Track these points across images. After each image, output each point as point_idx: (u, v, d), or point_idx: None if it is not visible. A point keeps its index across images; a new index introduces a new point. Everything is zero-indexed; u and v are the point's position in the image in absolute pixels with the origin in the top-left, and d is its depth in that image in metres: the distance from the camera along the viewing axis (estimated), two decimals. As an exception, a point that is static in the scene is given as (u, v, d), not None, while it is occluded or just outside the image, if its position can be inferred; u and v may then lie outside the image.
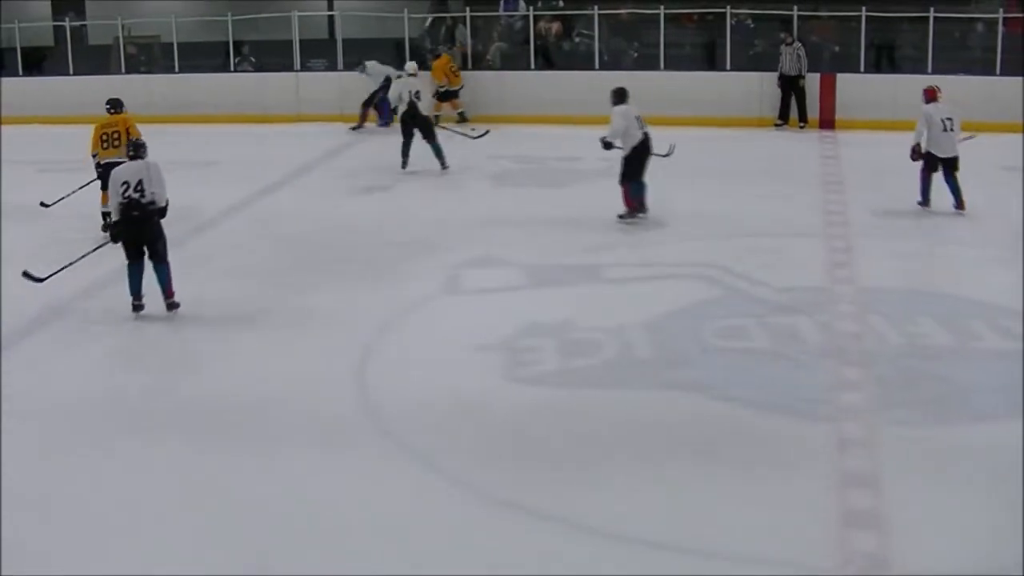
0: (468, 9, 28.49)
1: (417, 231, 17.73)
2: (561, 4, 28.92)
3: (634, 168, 17.72)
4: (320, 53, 29.51)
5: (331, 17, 30.92)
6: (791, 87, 25.46)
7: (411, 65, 23.83)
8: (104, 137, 17.60)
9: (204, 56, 29.73)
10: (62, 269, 14.83)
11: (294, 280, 15.51)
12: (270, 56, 29.82)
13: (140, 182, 13.95)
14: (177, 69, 29.61)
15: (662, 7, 26.56)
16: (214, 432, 11.12)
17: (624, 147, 17.79)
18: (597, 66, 26.59)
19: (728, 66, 26.38)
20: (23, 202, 19.15)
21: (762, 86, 25.83)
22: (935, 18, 25.47)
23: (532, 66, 27.48)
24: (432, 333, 13.67)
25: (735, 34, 26.59)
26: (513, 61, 28.05)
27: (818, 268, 15.57)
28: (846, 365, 12.50)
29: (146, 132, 18.61)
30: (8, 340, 13.60)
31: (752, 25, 27.43)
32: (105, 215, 16.41)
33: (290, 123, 27.37)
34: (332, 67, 28.53)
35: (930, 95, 18.45)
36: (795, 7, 26.07)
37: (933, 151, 17.92)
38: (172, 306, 14.21)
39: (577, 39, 27.58)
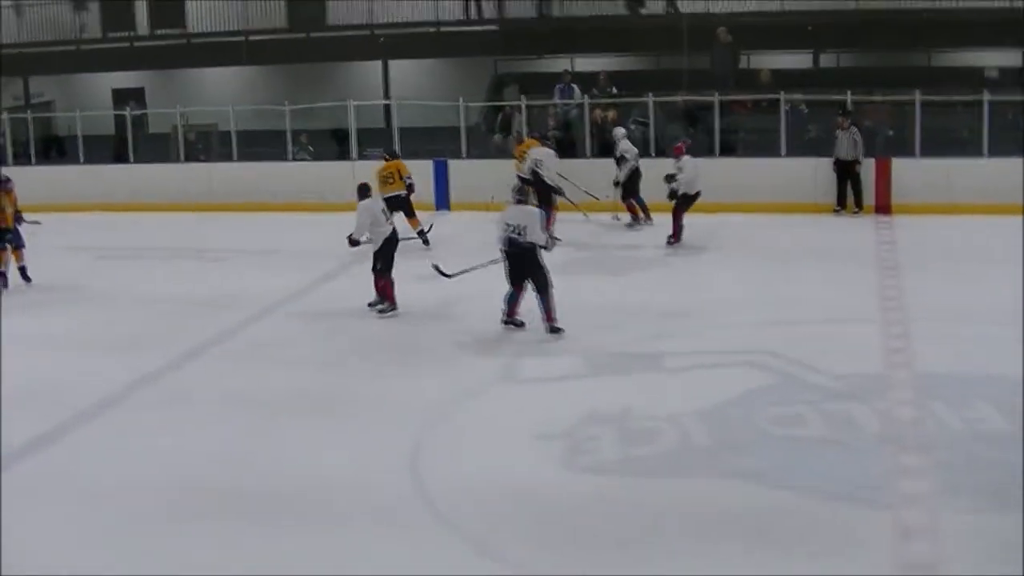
0: (523, 97, 28.65)
1: (475, 318, 17.79)
2: (615, 91, 29.05)
3: (386, 261, 18.36)
4: (377, 141, 29.77)
5: (387, 106, 31.13)
6: (847, 172, 25.41)
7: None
8: (384, 177, 22.54)
9: (262, 144, 30.00)
10: (466, 271, 18.20)
11: (351, 367, 15.61)
12: (327, 144, 30.09)
13: (520, 226, 16.71)
14: (235, 157, 29.88)
15: (717, 94, 26.66)
16: (271, 516, 11.19)
17: (374, 241, 18.37)
18: (653, 153, 26.63)
19: (783, 151, 26.40)
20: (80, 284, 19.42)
21: (817, 171, 25.82)
22: (989, 101, 25.47)
23: (588, 153, 27.57)
24: (490, 421, 13.72)
25: (789, 120, 26.62)
26: (569, 148, 28.16)
27: (875, 354, 15.52)
28: (905, 452, 12.44)
29: (203, 219, 18.91)
30: (68, 425, 13.76)
31: (806, 111, 27.47)
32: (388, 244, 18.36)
33: (347, 211, 27.45)
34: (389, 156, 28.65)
35: None
36: (848, 92, 26.11)
37: None
38: (554, 330, 16.66)
39: (632, 126, 27.69)
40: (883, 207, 25.43)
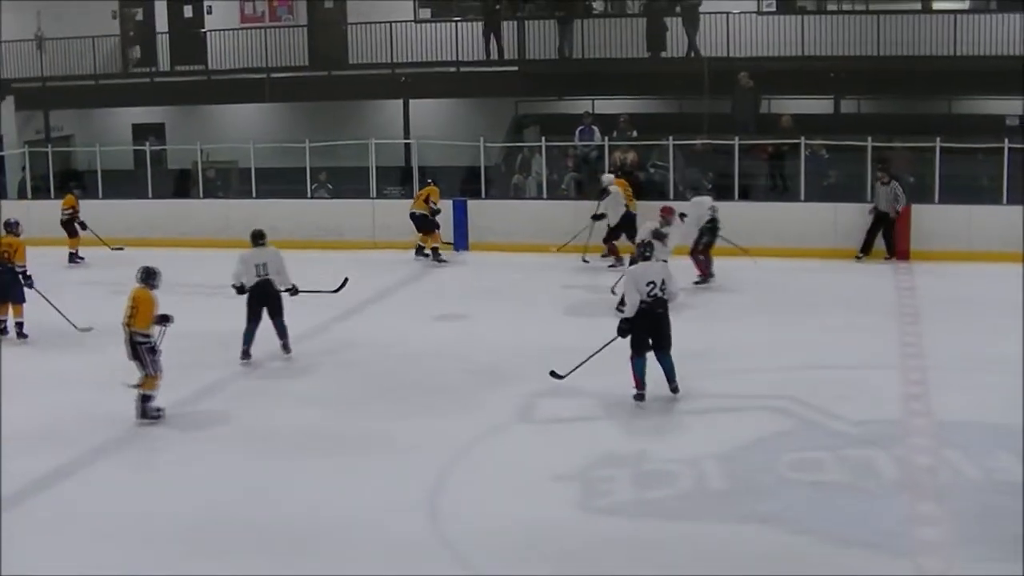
0: (544, 138, 28.68)
1: (491, 359, 17.76)
2: (636, 134, 29.08)
3: (250, 310, 17.79)
4: (396, 180, 29.79)
5: (407, 145, 31.18)
6: (883, 222, 25.31)
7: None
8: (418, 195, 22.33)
9: (282, 182, 30.05)
10: (579, 367, 15.91)
11: (367, 406, 15.57)
12: (347, 183, 30.14)
13: (663, 281, 15.57)
14: (255, 194, 29.93)
15: (737, 138, 26.67)
16: (287, 555, 11.20)
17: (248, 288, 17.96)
18: (672, 196, 26.62)
19: (803, 196, 26.39)
20: (94, 320, 19.45)
21: (836, 217, 25.82)
22: (1009, 149, 25.47)
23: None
24: (506, 461, 13.68)
25: (809, 165, 26.60)
26: (590, 189, 28.17)
27: (894, 400, 15.47)
28: (923, 499, 12.42)
29: (223, 256, 18.89)
30: (81, 460, 13.76)
31: (827, 156, 27.45)
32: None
33: (366, 250, 27.56)
34: (408, 195, 28.63)
35: None
36: (869, 138, 26.10)
37: None
38: (674, 388, 15.55)
39: (652, 169, 27.70)
40: (902, 253, 25.38)
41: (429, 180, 26.80)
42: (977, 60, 29.41)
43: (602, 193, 25.31)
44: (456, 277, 24.24)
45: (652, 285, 15.42)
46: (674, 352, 17.32)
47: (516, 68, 32.30)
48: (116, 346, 15.33)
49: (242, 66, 33.96)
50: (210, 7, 35.88)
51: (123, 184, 31.38)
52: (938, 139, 25.77)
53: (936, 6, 31.70)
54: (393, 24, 32.61)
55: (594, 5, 34.05)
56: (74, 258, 27.66)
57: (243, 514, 12.24)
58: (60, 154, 33.51)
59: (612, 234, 25.27)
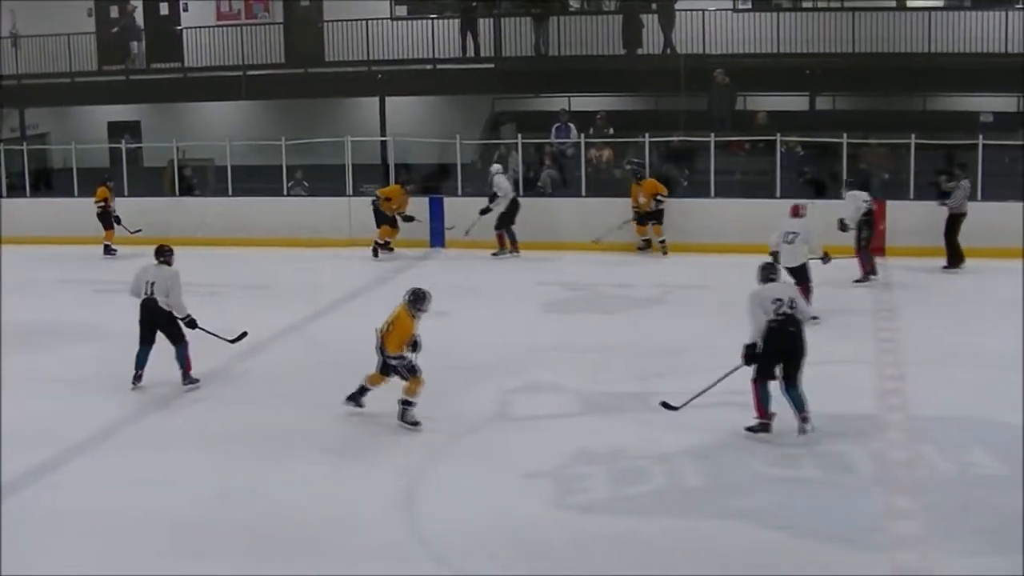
0: (520, 136, 28.70)
1: (468, 357, 17.72)
2: (612, 131, 29.12)
3: (142, 331, 16.46)
4: (373, 178, 29.76)
5: (384, 142, 31.15)
6: (958, 222, 24.27)
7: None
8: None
9: (258, 180, 29.99)
10: (695, 397, 14.75)
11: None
12: (323, 180, 30.08)
13: (792, 299, 14.23)
14: (231, 192, 29.89)
15: (712, 135, 26.71)
16: (265, 555, 11.17)
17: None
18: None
19: (778, 193, 26.42)
20: (77, 320, 19.36)
21: (811, 212, 25.81)
22: (984, 145, 25.59)
23: (583, 192, 27.57)
24: (482, 460, 13.67)
25: (785, 161, 26.66)
26: (564, 187, 28.21)
27: (869, 396, 15.51)
28: (899, 494, 12.44)
29: (199, 255, 18.86)
30: (62, 459, 13.71)
31: (802, 153, 27.53)
32: None
33: (342, 247, 27.52)
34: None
35: None
36: (844, 135, 26.17)
37: None
38: (803, 419, 14.04)
39: (628, 166, 27.73)
40: (878, 249, 25.39)
41: (408, 188, 26.94)
42: (952, 57, 29.52)
43: (491, 186, 26.24)
44: (432, 274, 24.19)
45: (779, 302, 14.12)
46: (647, 346, 17.43)
47: (492, 65, 32.31)
48: (91, 344, 15.29)
49: (218, 64, 33.86)
50: (186, 4, 35.79)
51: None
52: (913, 136, 25.84)
53: (911, 3, 31.83)
54: (369, 21, 32.58)
55: (570, 2, 34.09)
56: (108, 250, 27.58)
57: (222, 514, 12.21)
58: (35, 152, 33.40)
59: (502, 221, 26.15)
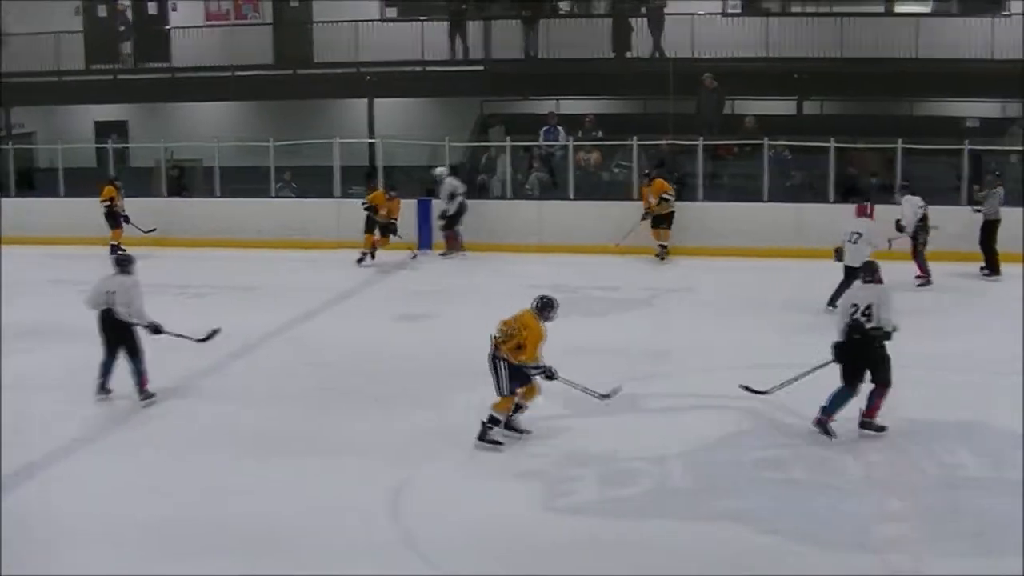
0: (509, 138, 28.73)
1: (456, 359, 17.65)
2: (600, 134, 29.15)
3: (104, 341, 16.03)
4: (362, 180, 29.74)
5: (372, 144, 31.13)
6: (994, 229, 24.16)
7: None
8: None
9: (246, 181, 29.95)
10: (786, 384, 14.83)
11: (332, 407, 15.53)
12: (312, 182, 30.07)
13: (869, 306, 14.01)
14: (219, 193, 29.88)
15: (701, 139, 26.78)
16: (252, 555, 11.16)
17: None
18: (636, 196, 26.71)
19: (766, 197, 26.50)
20: (62, 321, 19.31)
21: (799, 217, 25.93)
22: (969, 150, 25.75)
23: (571, 195, 27.59)
24: (471, 460, 13.67)
25: (773, 165, 26.73)
26: (552, 190, 28.23)
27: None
28: (888, 496, 12.51)
29: (187, 256, 18.85)
30: (42, 462, 13.69)
31: (789, 156, 27.60)
32: None
33: (331, 249, 27.51)
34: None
35: None
36: (832, 139, 26.24)
37: None
38: (871, 426, 14.17)
39: (616, 169, 27.77)
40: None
41: (392, 193, 26.87)
42: (939, 63, 29.61)
43: (436, 184, 26.89)
44: (420, 277, 24.28)
45: (855, 308, 14.05)
46: (636, 351, 17.44)
47: (482, 68, 32.34)
48: (67, 346, 15.22)
49: (207, 64, 33.82)
50: (175, 4, 35.74)
51: (86, 181, 31.15)
52: (899, 140, 25.94)
53: (898, 8, 31.93)
54: (359, 23, 32.55)
55: (560, 5, 34.13)
56: (115, 250, 27.44)
57: (206, 515, 12.18)
58: (21, 152, 33.33)
59: (450, 223, 26.45)
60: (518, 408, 14.42)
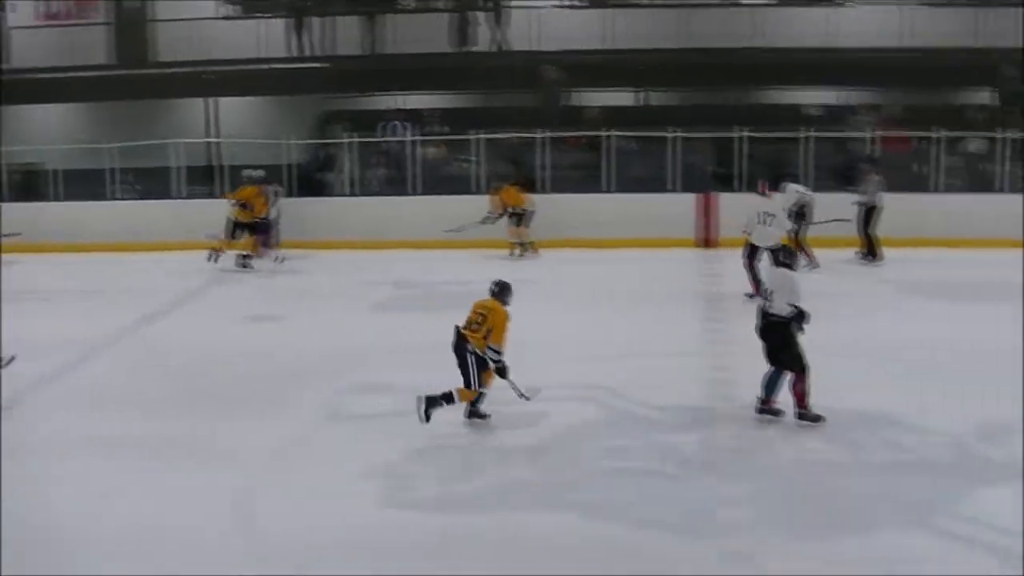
0: (352, 135, 28.58)
1: (301, 359, 17.61)
2: (444, 129, 29.11)
3: None
4: (204, 180, 29.44)
5: (212, 144, 30.82)
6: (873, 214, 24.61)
7: None
8: None
9: (88, 183, 29.47)
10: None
11: (179, 411, 15.33)
12: (155, 183, 29.69)
13: (770, 292, 14.19)
14: (61, 196, 29.38)
15: (544, 131, 26.83)
16: (100, 562, 10.93)
17: None
18: (481, 189, 26.75)
19: (611, 187, 26.66)
20: None
21: (644, 207, 26.10)
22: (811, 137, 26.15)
23: (416, 191, 27.52)
24: (315, 461, 13.53)
25: (617, 156, 26.88)
26: (395, 186, 28.15)
27: (701, 386, 15.69)
28: (731, 481, 12.58)
29: (28, 260, 18.49)
30: None
31: (634, 147, 27.77)
32: None
33: (174, 251, 27.18)
34: (216, 193, 28.32)
35: None
36: (674, 129, 26.47)
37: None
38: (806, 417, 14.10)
39: (460, 164, 27.78)
40: (709, 241, 25.78)
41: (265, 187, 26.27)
42: (779, 52, 30.00)
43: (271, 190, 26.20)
44: (265, 278, 24.06)
45: (766, 291, 14.49)
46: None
47: (324, 64, 32.14)
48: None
49: (45, 65, 33.22)
50: (15, 5, 35.05)
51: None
52: (742, 129, 26.24)
53: (739, -1, 32.32)
54: (198, 21, 32.21)
55: (401, 0, 34.01)
56: None
57: (55, 520, 11.99)
58: None
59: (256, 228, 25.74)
60: (480, 396, 14.53)
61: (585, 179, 28.01)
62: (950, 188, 26.59)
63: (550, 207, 25.67)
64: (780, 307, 14.09)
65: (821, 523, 11.50)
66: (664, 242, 25.43)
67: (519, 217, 25.40)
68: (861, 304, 20.74)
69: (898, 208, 24.32)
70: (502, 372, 14.31)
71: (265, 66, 32.14)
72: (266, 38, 32.04)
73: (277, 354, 18.15)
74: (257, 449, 13.83)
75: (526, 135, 27.55)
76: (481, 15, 31.36)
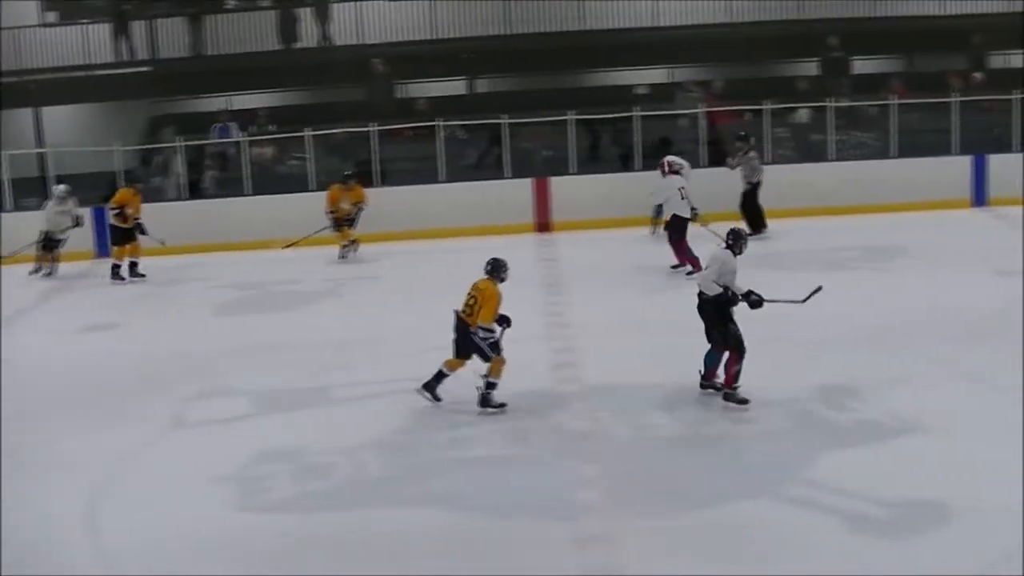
0: (181, 138, 28.24)
1: (143, 367, 17.39)
2: (274, 128, 28.85)
3: None
4: (33, 191, 28.90)
5: (41, 154, 30.26)
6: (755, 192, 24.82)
7: None
8: None
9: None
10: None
11: (18, 423, 15.06)
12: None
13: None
14: None
15: (375, 124, 26.76)
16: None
17: None
18: (313, 187, 26.63)
19: (444, 177, 26.68)
20: None
21: (479, 195, 26.16)
22: (641, 116, 26.41)
23: (249, 191, 27.26)
24: (163, 469, 13.40)
25: (448, 146, 26.92)
26: (229, 187, 27.86)
27: (544, 370, 15.80)
28: (579, 463, 12.75)
29: None
30: None
31: (464, 137, 27.83)
32: None
33: (7, 264, 26.63)
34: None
35: None
36: (504, 116, 26.56)
37: None
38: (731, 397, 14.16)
39: (292, 162, 27.63)
40: (544, 225, 25.91)
41: (138, 186, 25.24)
42: (604, 34, 30.27)
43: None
44: (100, 286, 23.70)
45: (707, 269, 14.61)
46: (321, 341, 17.49)
47: (149, 68, 31.71)
48: None
49: None
50: None
51: None
52: (571, 112, 26.41)
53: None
54: (17, 29, 31.60)
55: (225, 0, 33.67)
56: None
57: None
58: None
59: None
60: (441, 376, 14.67)
61: (417, 171, 27.93)
62: (780, 159, 26.93)
63: (385, 200, 25.56)
64: (709, 286, 14.25)
65: (671, 498, 11.70)
66: (502, 229, 25.47)
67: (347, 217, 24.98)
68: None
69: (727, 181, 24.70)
70: (495, 347, 14.46)
71: (90, 72, 31.60)
72: (90, 44, 31.49)
73: (120, 363, 17.91)
74: (103, 458, 13.68)
75: (357, 129, 27.42)
76: (305, 11, 31.16)
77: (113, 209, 24.23)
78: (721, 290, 14.15)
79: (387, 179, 26.97)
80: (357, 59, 29.69)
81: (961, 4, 30.91)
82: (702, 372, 14.55)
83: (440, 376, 14.72)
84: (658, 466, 12.57)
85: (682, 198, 21.11)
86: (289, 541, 11.28)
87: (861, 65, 30.74)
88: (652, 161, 25.25)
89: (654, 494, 11.87)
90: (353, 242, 24.58)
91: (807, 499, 11.50)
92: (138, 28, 31.92)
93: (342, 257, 24.33)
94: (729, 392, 14.18)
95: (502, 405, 14.41)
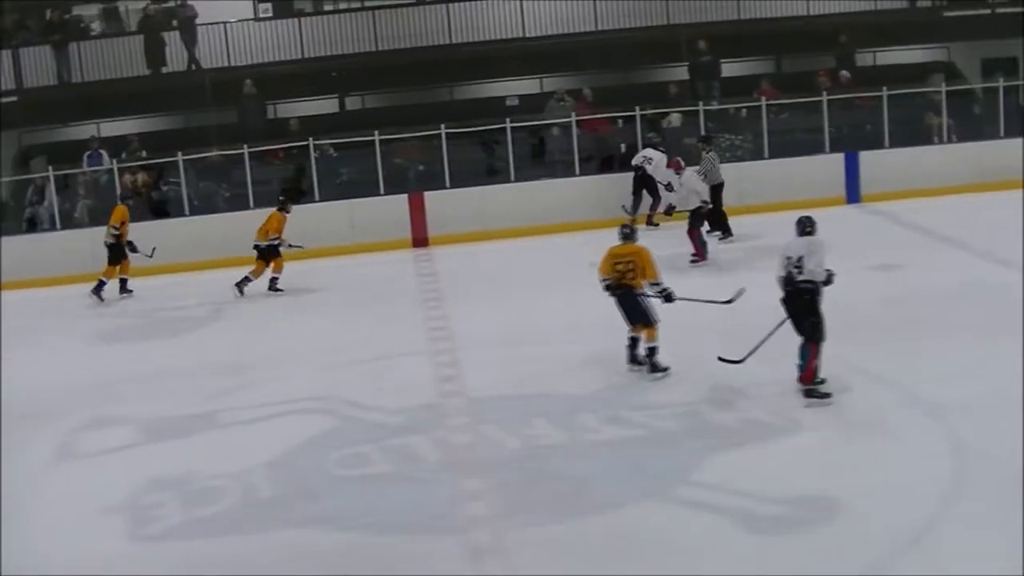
0: (51, 168, 27.97)
1: (29, 401, 17.17)
2: (145, 154, 28.61)
3: None
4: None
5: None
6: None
7: None
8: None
9: None
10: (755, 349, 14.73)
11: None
12: None
13: (801, 258, 13.97)
14: None
15: (246, 146, 26.70)
16: None
17: None
18: (188, 211, 26.53)
19: (317, 197, 26.70)
20: None
21: (352, 213, 26.19)
22: (513, 127, 26.62)
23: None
24: (52, 501, 13.33)
25: (321, 165, 26.93)
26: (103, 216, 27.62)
27: (427, 385, 15.91)
28: (467, 476, 12.89)
29: None
30: None
31: (336, 155, 27.83)
32: None
33: None
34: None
35: None
36: (376, 132, 26.63)
37: None
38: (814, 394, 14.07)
39: (165, 187, 27.48)
40: (420, 240, 26.00)
41: (128, 202, 25.09)
42: (474, 46, 30.42)
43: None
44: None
45: (788, 260, 14.09)
46: (208, 366, 17.43)
47: (15, 98, 31.35)
48: None
49: None
50: None
51: None
52: (443, 126, 26.53)
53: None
54: None
55: (91, 26, 33.32)
56: None
57: None
58: None
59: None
60: (635, 343, 15.54)
61: (293, 191, 27.82)
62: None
63: (260, 221, 25.44)
64: (818, 273, 13.97)
65: (560, 507, 11.84)
66: (380, 245, 25.54)
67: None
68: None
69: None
70: (669, 297, 15.19)
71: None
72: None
73: (4, 394, 17.65)
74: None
75: (230, 152, 27.32)
76: (171, 35, 30.97)
77: (114, 228, 23.96)
78: (827, 273, 14.05)
79: (259, 201, 26.68)
80: (227, 81, 29.56)
81: (826, 4, 31.42)
82: (799, 367, 14.09)
83: (634, 343, 15.48)
84: (543, 476, 12.68)
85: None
86: (183, 569, 11.30)
87: (729, 68, 31.08)
88: (526, 172, 25.55)
89: (540, 503, 12.00)
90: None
91: (699, 501, 11.69)
92: (4, 57, 31.56)
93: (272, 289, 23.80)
94: (811, 389, 14.03)
95: (667, 368, 15.14)
